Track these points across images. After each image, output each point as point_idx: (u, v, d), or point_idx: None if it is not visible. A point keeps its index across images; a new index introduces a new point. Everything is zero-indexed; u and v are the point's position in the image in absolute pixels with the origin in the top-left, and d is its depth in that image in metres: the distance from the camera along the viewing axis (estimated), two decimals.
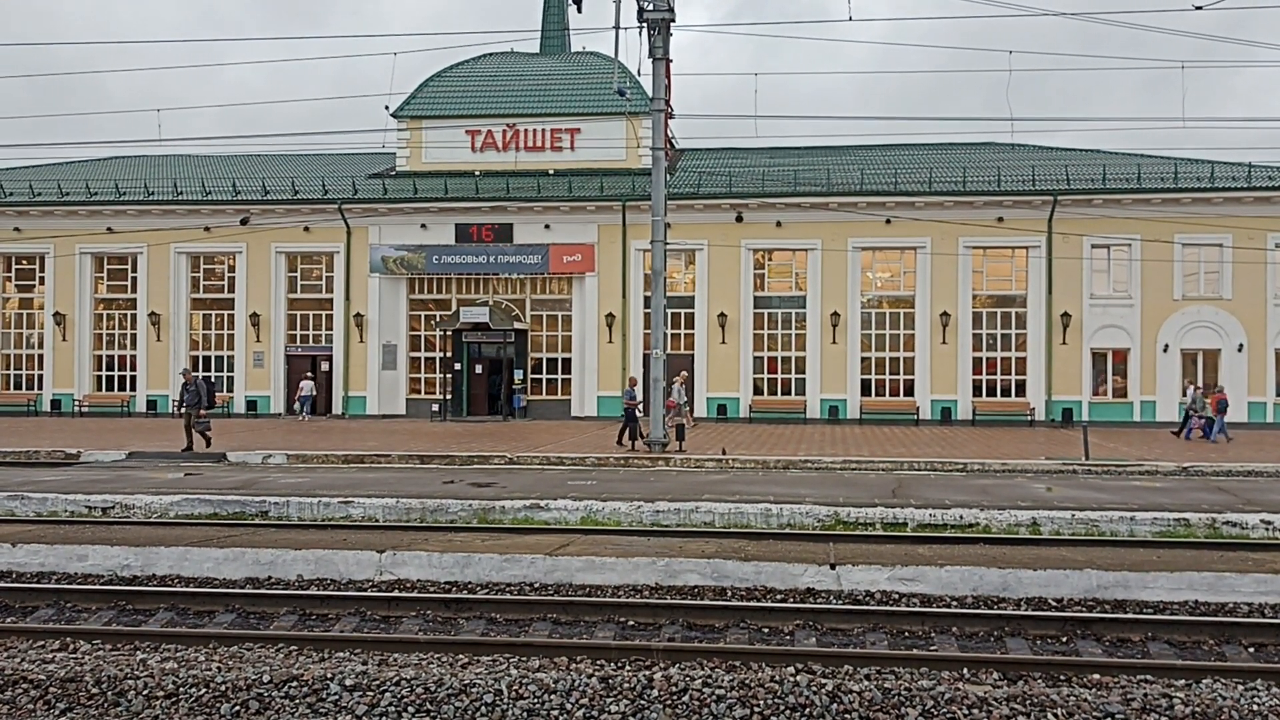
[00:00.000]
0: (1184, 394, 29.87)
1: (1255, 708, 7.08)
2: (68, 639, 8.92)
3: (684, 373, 33.02)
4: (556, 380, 36.68)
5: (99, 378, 38.25)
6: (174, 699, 7.51)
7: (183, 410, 24.01)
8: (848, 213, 34.36)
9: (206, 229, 36.95)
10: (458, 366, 36.62)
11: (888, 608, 9.75)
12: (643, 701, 7.34)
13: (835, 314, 34.72)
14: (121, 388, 38.06)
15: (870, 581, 10.57)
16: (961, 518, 14.08)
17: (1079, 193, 33.54)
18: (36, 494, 15.88)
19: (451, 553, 11.39)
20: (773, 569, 10.77)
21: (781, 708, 7.23)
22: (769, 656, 8.28)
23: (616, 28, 23.88)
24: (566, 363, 36.54)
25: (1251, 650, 8.81)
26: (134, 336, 37.95)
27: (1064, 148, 39.04)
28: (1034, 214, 33.94)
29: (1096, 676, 7.84)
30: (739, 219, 35.01)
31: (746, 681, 7.46)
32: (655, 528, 13.83)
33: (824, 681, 7.47)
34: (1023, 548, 12.01)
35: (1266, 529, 13.56)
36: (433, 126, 38.02)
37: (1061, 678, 7.91)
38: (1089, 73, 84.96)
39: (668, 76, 23.92)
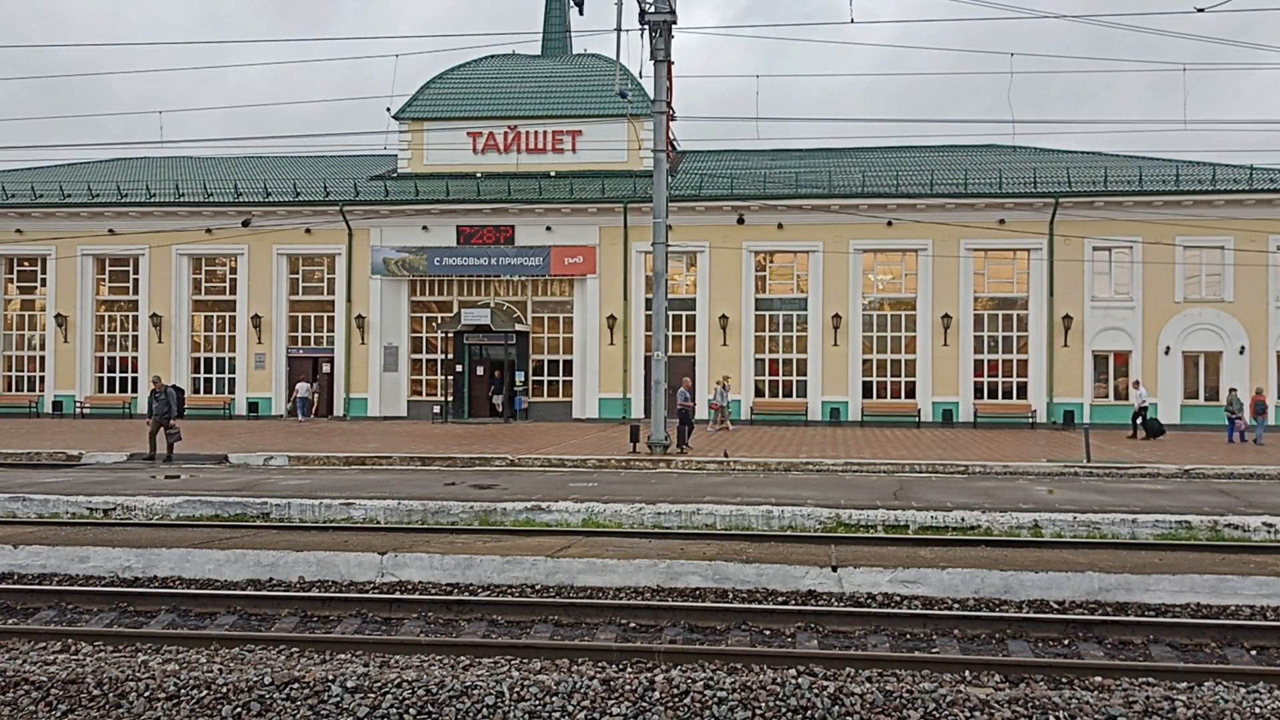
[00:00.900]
0: (1226, 400, 29.74)
1: (1258, 710, 7.07)
2: (69, 640, 8.93)
3: (728, 375, 33.11)
4: (558, 382, 36.68)
5: (100, 379, 38.27)
6: (175, 700, 7.51)
7: (149, 418, 22.98)
8: (849, 215, 34.36)
9: (208, 231, 36.98)
10: (459, 368, 36.63)
11: (889, 610, 9.74)
12: (644, 704, 7.33)
13: (836, 316, 34.72)
14: (123, 389, 38.08)
15: (872, 583, 10.57)
16: (963, 520, 14.08)
17: (1080, 195, 33.54)
18: (38, 495, 15.88)
19: (453, 554, 11.39)
20: (774, 571, 10.77)
21: (783, 710, 7.22)
22: (771, 658, 8.28)
23: (618, 30, 23.89)
24: (568, 364, 36.54)
25: (1254, 653, 8.81)
26: (135, 338, 37.98)
27: (1065, 150, 39.04)
28: (1035, 216, 33.94)
29: (1098, 679, 7.84)
30: (740, 221, 35.02)
31: (748, 684, 7.45)
32: (657, 530, 13.83)
33: (826, 683, 7.47)
34: (1024, 550, 12.01)
35: (1268, 531, 13.55)
36: (434, 128, 38.04)
37: (1063, 680, 7.91)
38: (1097, 75, 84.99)
39: (669, 78, 23.93)
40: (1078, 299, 33.99)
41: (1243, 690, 7.56)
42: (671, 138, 31.24)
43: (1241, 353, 33.23)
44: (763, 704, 7.26)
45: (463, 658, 8.37)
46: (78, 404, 37.60)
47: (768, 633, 9.34)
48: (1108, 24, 23.77)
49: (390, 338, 36.80)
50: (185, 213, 36.99)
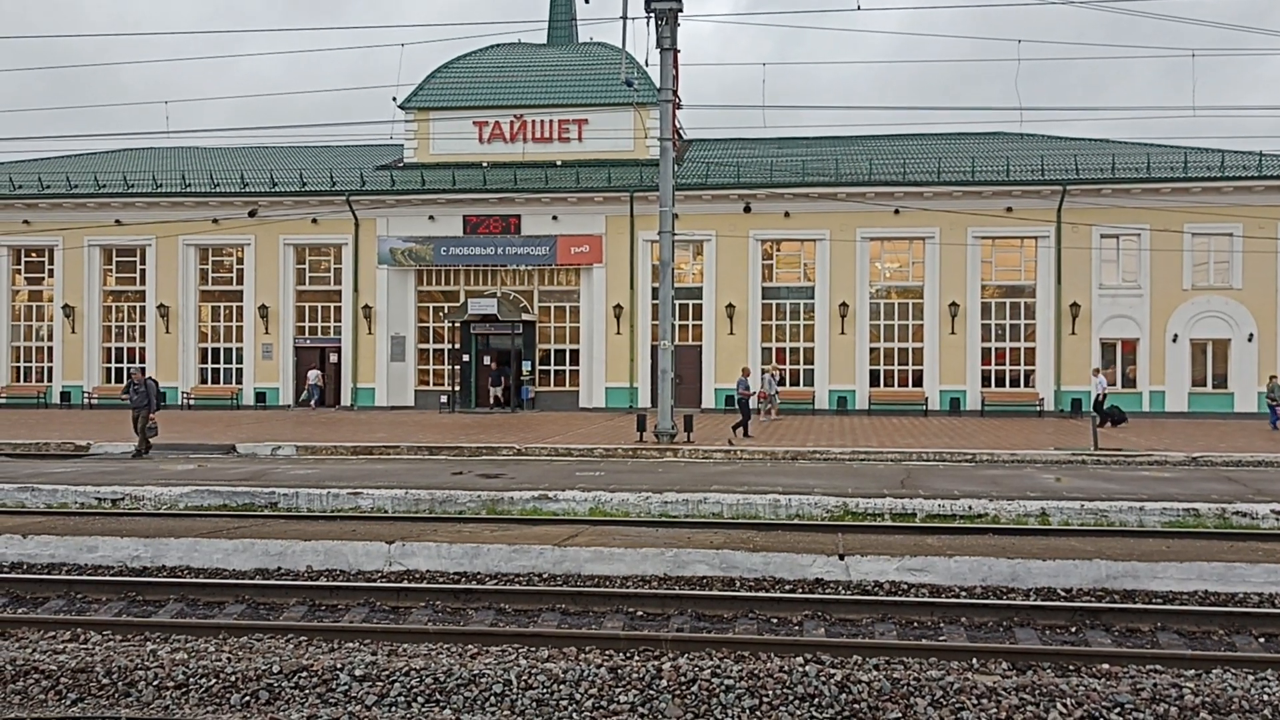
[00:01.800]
0: (1268, 387, 29.59)
1: (1266, 698, 7.06)
2: (78, 629, 8.97)
3: (777, 365, 33.09)
4: (564, 371, 36.68)
5: (108, 370, 38.36)
6: (184, 689, 7.54)
7: (133, 412, 22.00)
8: (856, 203, 34.27)
9: (215, 221, 37.01)
10: (466, 358, 36.65)
11: (896, 598, 9.74)
12: (651, 691, 7.35)
13: (844, 304, 34.65)
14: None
15: (879, 572, 10.56)
16: (970, 508, 14.07)
17: (1088, 182, 33.41)
18: (46, 486, 15.95)
19: (460, 543, 11.41)
20: (781, 559, 10.77)
21: (790, 698, 7.23)
22: (777, 647, 8.28)
23: (624, 18, 23.79)
24: (574, 354, 36.53)
25: (1262, 640, 8.79)
26: (143, 328, 38.05)
27: (1073, 137, 38.88)
28: (1043, 204, 33.82)
29: (1106, 666, 7.83)
30: (747, 209, 34.95)
31: (755, 672, 7.46)
32: (664, 519, 13.85)
33: (833, 671, 7.47)
34: (1032, 538, 12.00)
35: (1277, 519, 13.52)
36: (440, 118, 37.98)
37: (1070, 668, 7.90)
38: (1111, 62, 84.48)
39: (675, 67, 23.86)
40: (1085, 286, 33.88)
41: (1250, 678, 7.55)
42: (678, 126, 31.10)
43: (1250, 340, 33.11)
44: (770, 692, 7.27)
45: (470, 646, 8.39)
46: (85, 394, 37.70)
47: (775, 621, 9.35)
48: (1120, 10, 23.63)
49: (397, 328, 36.83)
50: (192, 203, 37.02)
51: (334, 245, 37.17)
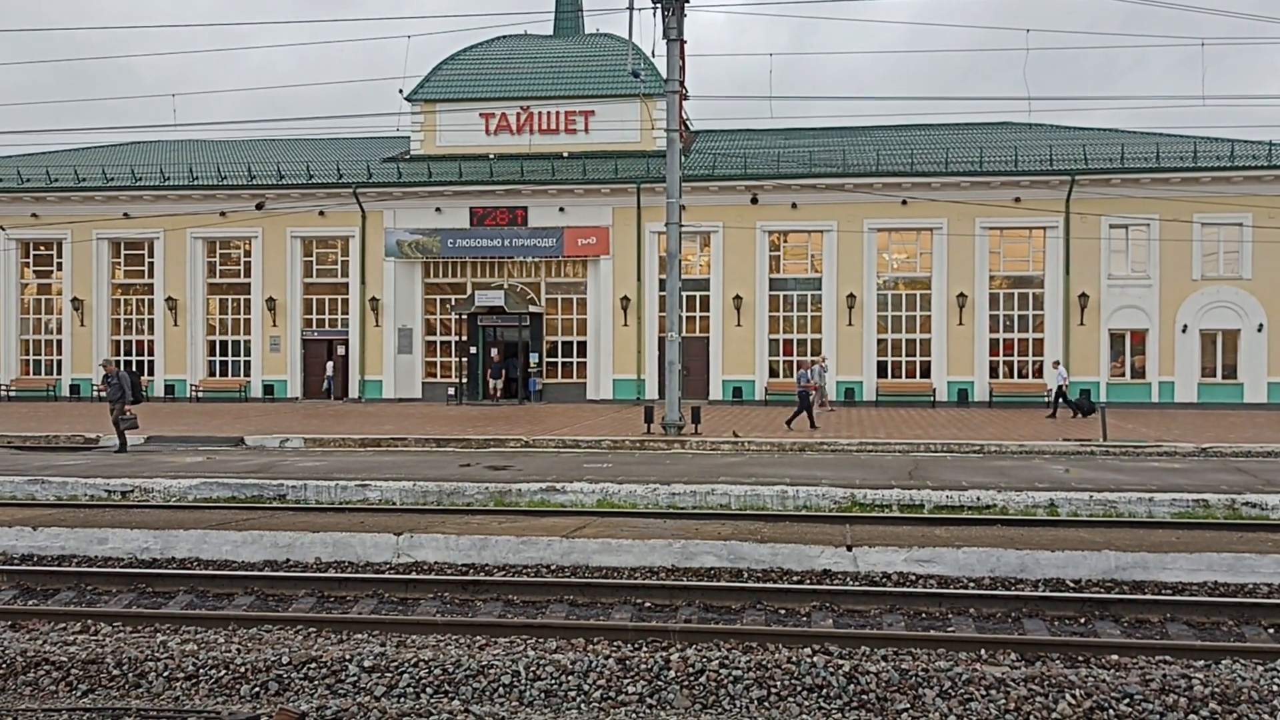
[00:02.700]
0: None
1: (1275, 688, 7.05)
2: (89, 621, 9.00)
3: (823, 355, 33.13)
4: (572, 363, 36.69)
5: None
6: (194, 680, 7.57)
7: (109, 405, 21.43)
8: (863, 194, 34.18)
9: (222, 214, 37.04)
10: (473, 350, 36.66)
11: (905, 589, 9.73)
12: (660, 682, 7.36)
13: (851, 296, 34.59)
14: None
15: (887, 563, 10.56)
16: (979, 499, 14.05)
17: (1097, 172, 33.27)
18: (56, 478, 16.00)
19: (468, 535, 11.43)
20: (789, 551, 10.77)
21: (798, 688, 7.23)
22: (786, 638, 8.28)
23: (630, 9, 23.81)
24: (582, 346, 36.53)
25: (1271, 631, 8.77)
26: (151, 321, 38.13)
27: (1082, 127, 38.71)
28: (1051, 194, 33.69)
29: (1115, 657, 7.82)
30: (754, 201, 34.88)
31: (763, 662, 7.46)
32: (671, 510, 13.85)
33: (841, 662, 7.47)
34: (1040, 529, 11.98)
35: None
36: (447, 110, 37.97)
37: (1079, 658, 7.89)
38: (1128, 51, 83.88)
39: (682, 57, 23.81)
40: (1094, 277, 33.77)
41: (1260, 668, 7.53)
42: (684, 117, 31.03)
43: (1260, 330, 32.98)
44: (778, 683, 7.27)
45: (479, 637, 8.40)
46: (94, 387, 37.75)
47: (783, 612, 9.35)
48: None
49: (404, 320, 36.85)
50: (199, 196, 37.05)
51: (341, 238, 37.19)
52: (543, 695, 7.32)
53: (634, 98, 35.69)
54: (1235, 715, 6.83)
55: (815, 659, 7.55)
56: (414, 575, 10.48)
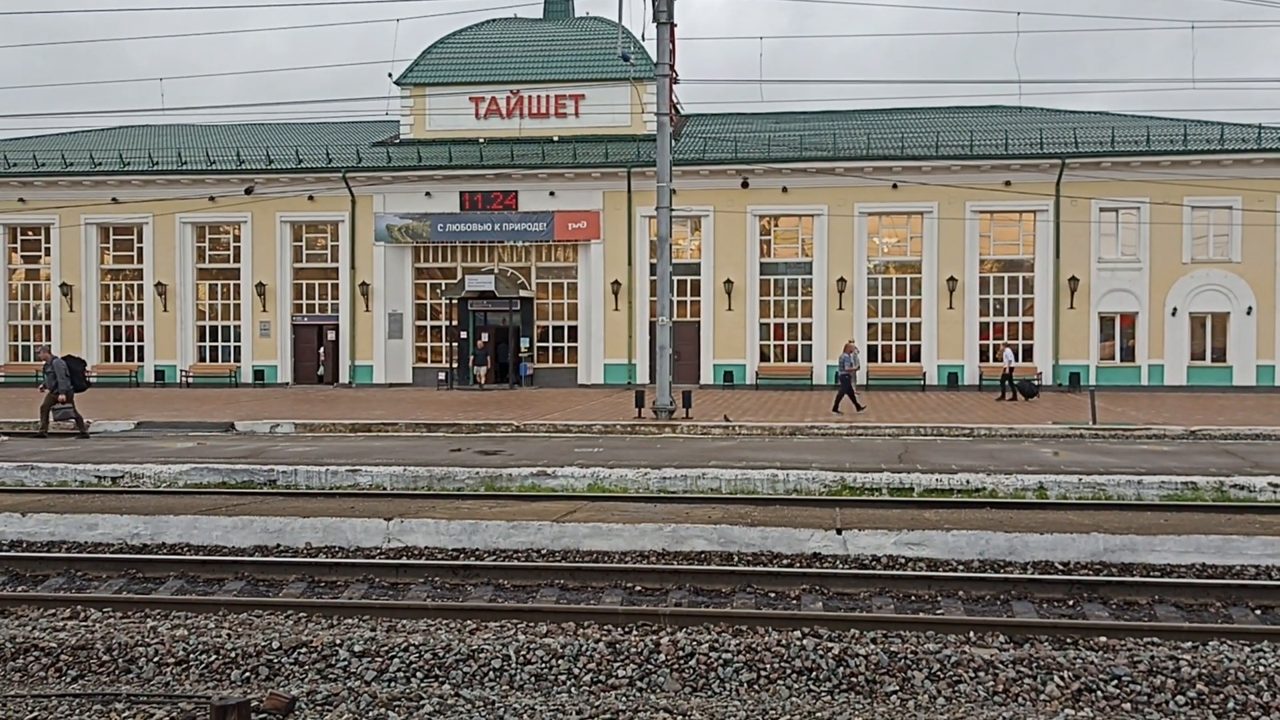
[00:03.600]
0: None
1: (1261, 669, 7.10)
2: (78, 607, 8.99)
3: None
4: (563, 348, 36.65)
5: (106, 348, 38.33)
6: (184, 665, 7.57)
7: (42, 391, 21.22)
8: (854, 178, 34.15)
9: (211, 199, 36.87)
10: (464, 335, 36.62)
11: (894, 572, 9.77)
12: (650, 665, 7.38)
13: (842, 280, 34.60)
14: (129, 358, 38.15)
15: (876, 546, 10.59)
16: (968, 482, 14.09)
17: (1087, 156, 33.28)
18: (46, 464, 15.96)
19: (459, 520, 11.43)
20: (779, 534, 10.79)
21: (788, 671, 7.26)
22: (775, 621, 8.31)
23: None
24: (573, 330, 36.49)
25: (1258, 612, 8.83)
26: (141, 307, 37.99)
27: (1072, 110, 38.69)
28: (1042, 178, 33.70)
29: (1103, 639, 7.86)
30: (745, 185, 34.82)
31: (753, 645, 7.48)
32: (662, 494, 13.87)
33: (830, 645, 7.50)
34: (1029, 511, 12.02)
35: (1274, 492, 13.54)
36: (436, 94, 37.79)
37: (1068, 640, 7.93)
38: (1127, 34, 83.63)
39: (672, 41, 23.71)
40: (1084, 260, 33.82)
41: (1247, 649, 7.58)
42: (675, 101, 30.95)
43: (1249, 314, 33.09)
44: (768, 666, 7.30)
45: (469, 622, 8.41)
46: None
47: (773, 595, 9.38)
48: None
49: (394, 305, 36.77)
50: (188, 181, 36.87)
51: (331, 222, 37.06)
52: (533, 679, 7.34)
53: (624, 81, 35.56)
54: (1222, 696, 6.88)
55: (805, 642, 7.58)
56: (404, 560, 10.47)
